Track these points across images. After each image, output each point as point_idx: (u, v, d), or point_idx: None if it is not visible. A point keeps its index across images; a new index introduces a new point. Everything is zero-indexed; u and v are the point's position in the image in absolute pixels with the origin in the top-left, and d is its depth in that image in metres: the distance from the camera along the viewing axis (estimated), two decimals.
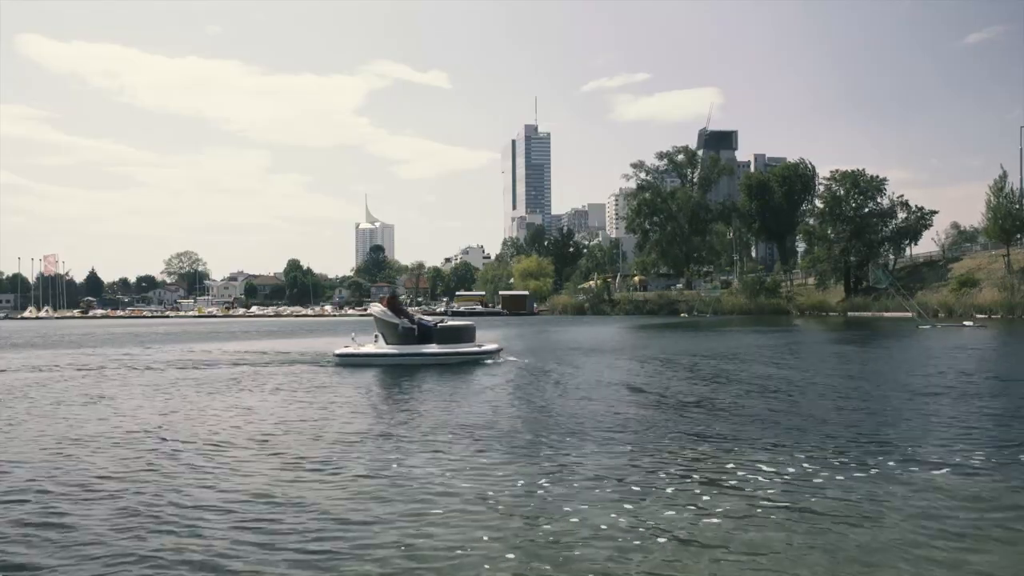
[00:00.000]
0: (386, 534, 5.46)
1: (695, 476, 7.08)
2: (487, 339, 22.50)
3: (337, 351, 20.20)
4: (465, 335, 20.22)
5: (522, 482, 6.88)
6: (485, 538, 5.35)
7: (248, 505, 6.23)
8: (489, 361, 19.82)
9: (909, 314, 49.15)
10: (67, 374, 18.60)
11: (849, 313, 64.21)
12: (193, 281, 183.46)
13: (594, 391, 13.82)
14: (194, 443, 8.99)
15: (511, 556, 5.01)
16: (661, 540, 5.27)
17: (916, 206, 69.23)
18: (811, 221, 78.99)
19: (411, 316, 20.56)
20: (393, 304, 20.46)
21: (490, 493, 6.50)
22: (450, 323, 21.04)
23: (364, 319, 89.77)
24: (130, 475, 7.37)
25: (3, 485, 7.04)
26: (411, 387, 14.95)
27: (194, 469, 7.59)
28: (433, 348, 19.50)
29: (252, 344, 32.35)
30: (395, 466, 7.64)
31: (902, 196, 70.14)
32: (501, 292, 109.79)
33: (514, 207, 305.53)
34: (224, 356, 24.02)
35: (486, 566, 4.85)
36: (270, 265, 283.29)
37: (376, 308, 20.69)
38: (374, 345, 20.04)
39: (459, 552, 5.08)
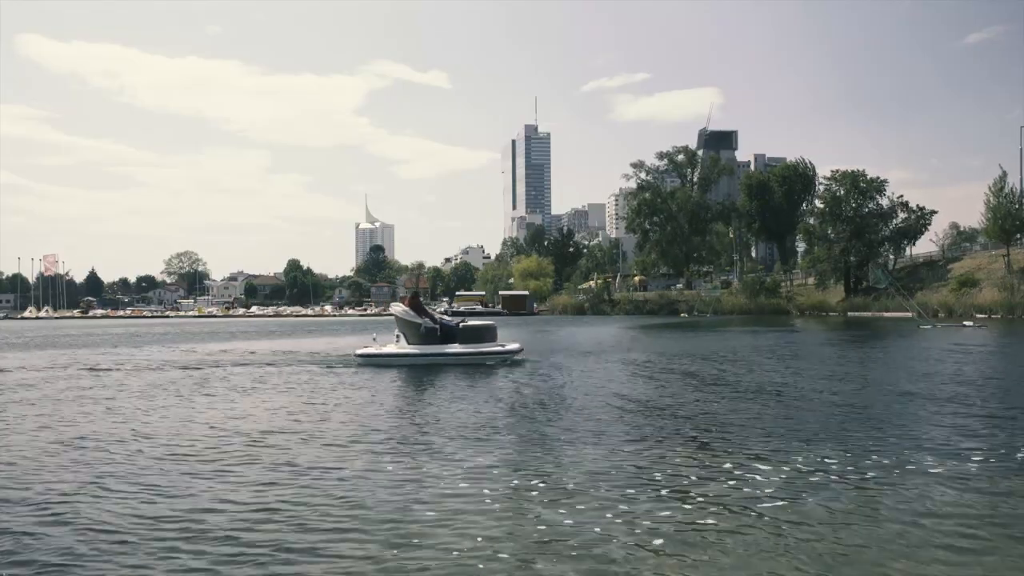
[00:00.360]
0: (376, 538, 5.43)
1: (690, 478, 7.05)
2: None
3: (359, 351, 20.03)
4: (487, 335, 20.01)
5: (515, 483, 6.85)
6: (478, 540, 5.32)
7: (240, 508, 6.21)
8: (507, 361, 19.61)
9: (909, 314, 49.10)
10: (68, 373, 18.56)
11: (849, 313, 64.16)
12: (193, 281, 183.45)
13: (593, 392, 13.78)
14: (193, 445, 8.97)
15: (504, 557, 4.98)
16: (656, 541, 5.25)
17: (916, 206, 69.30)
18: (811, 221, 78.91)
19: (433, 316, 20.32)
20: (415, 303, 20.20)
21: (485, 492, 6.47)
22: (472, 323, 20.82)
23: (365, 319, 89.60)
24: (119, 480, 7.34)
25: None
26: (429, 388, 14.83)
27: (189, 473, 7.57)
28: (456, 348, 19.33)
29: (261, 344, 32.27)
30: (390, 467, 7.61)
31: (901, 196, 70.26)
32: (501, 292, 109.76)
33: (514, 207, 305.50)
34: (231, 357, 23.80)
35: (479, 566, 4.82)
36: (270, 265, 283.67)
37: (398, 308, 20.42)
38: (395, 345, 19.83)
39: (451, 554, 5.06)
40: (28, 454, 8.48)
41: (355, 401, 12.79)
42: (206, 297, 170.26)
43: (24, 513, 6.09)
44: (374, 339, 20.74)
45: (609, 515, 5.81)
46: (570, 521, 5.68)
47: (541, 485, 6.76)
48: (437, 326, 19.65)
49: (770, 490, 6.51)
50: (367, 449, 8.53)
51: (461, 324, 20.18)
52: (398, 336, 19.92)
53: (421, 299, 21.55)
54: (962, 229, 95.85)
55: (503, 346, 20.20)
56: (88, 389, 15.07)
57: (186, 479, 7.16)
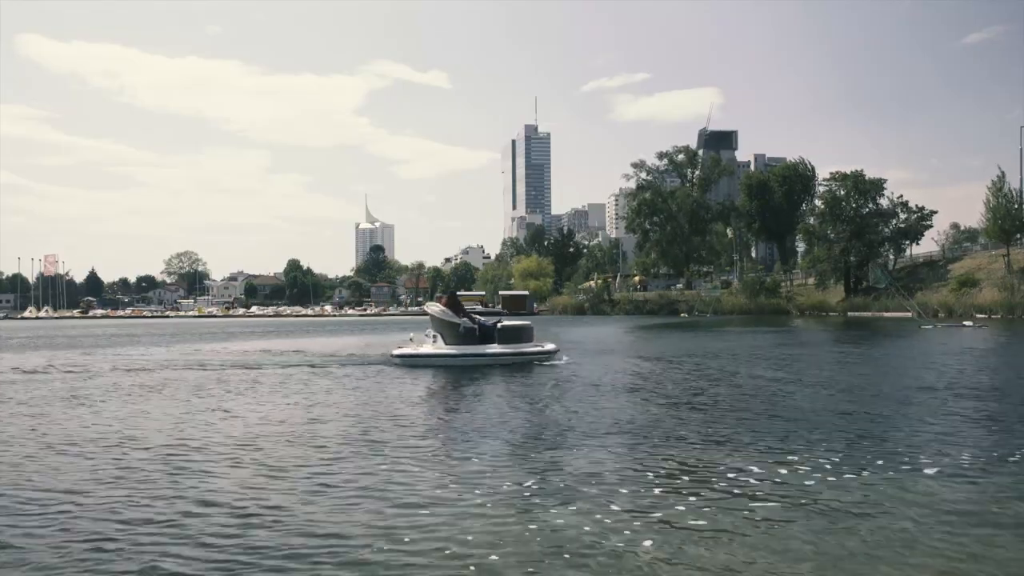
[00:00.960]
0: (378, 540, 5.40)
1: (690, 479, 7.02)
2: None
3: (396, 351, 19.70)
4: (525, 335, 19.81)
5: (508, 485, 6.82)
6: (469, 539, 5.29)
7: (232, 513, 6.17)
8: (545, 361, 19.31)
9: (909, 314, 49.07)
10: (109, 380, 18.48)
11: (849, 313, 64.10)
12: (193, 281, 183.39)
13: (608, 392, 13.75)
14: (211, 448, 8.93)
15: (494, 558, 4.95)
16: (647, 543, 5.21)
17: (916, 206, 69.32)
18: (811, 221, 78.86)
19: (472, 316, 19.98)
20: (453, 303, 19.87)
21: (477, 492, 6.44)
22: (509, 323, 20.50)
23: (365, 319, 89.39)
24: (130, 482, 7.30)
25: None
26: (465, 389, 14.57)
27: (201, 473, 7.53)
28: (495, 348, 19.08)
29: (283, 343, 32.12)
30: (386, 469, 7.57)
31: (901, 196, 70.31)
32: (501, 292, 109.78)
33: (514, 207, 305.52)
34: (256, 357, 23.27)
35: (470, 567, 4.79)
36: (270, 265, 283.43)
37: (435, 308, 19.93)
38: (432, 345, 19.45)
39: (445, 554, 5.03)
40: (33, 456, 8.45)
41: (384, 402, 12.56)
42: (206, 297, 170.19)
43: (3, 516, 6.06)
44: (410, 339, 20.39)
45: (600, 517, 5.78)
46: (565, 519, 5.65)
47: (540, 486, 6.73)
48: (476, 326, 19.36)
49: (766, 492, 6.48)
50: (392, 451, 8.48)
51: (499, 324, 19.87)
52: (434, 336, 19.46)
53: (459, 298, 21.16)
54: (963, 229, 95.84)
55: (541, 346, 19.97)
56: (136, 394, 15.00)
57: (201, 478, 7.13)
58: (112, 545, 5.25)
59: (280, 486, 6.82)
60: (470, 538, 5.32)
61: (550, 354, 19.79)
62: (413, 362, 18.91)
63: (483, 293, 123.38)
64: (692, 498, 6.28)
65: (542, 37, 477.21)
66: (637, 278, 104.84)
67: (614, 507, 6.03)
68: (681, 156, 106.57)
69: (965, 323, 42.65)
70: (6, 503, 6.38)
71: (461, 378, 16.27)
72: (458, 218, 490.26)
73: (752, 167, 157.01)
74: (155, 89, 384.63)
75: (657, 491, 6.52)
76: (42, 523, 5.79)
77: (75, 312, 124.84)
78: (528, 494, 6.46)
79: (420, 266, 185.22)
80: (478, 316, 21.24)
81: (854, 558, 4.88)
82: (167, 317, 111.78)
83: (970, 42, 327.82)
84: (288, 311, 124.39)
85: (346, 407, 12.01)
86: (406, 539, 5.32)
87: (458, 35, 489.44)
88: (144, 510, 6.09)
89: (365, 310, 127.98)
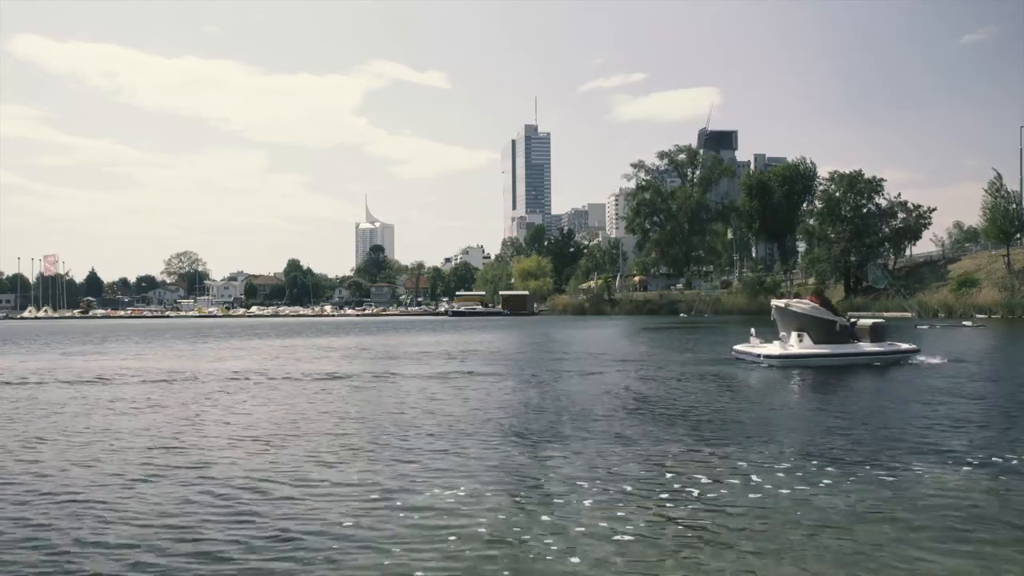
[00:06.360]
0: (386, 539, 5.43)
1: (688, 481, 7.05)
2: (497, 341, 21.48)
3: (766, 351, 18.65)
4: (886, 334, 19.35)
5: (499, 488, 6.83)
6: (459, 536, 5.31)
7: (245, 504, 6.20)
8: (911, 361, 18.76)
9: (909, 314, 49.06)
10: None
11: (849, 313, 63.92)
12: (193, 281, 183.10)
13: (604, 395, 13.76)
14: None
15: (475, 562, 4.98)
16: (641, 545, 5.24)
17: (914, 204, 69.37)
18: (811, 221, 78.82)
19: (842, 315, 19.16)
20: (823, 300, 19.26)
21: (480, 488, 6.47)
22: (870, 321, 19.78)
23: (365, 319, 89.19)
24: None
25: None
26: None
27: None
28: (870, 347, 18.52)
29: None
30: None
31: (899, 195, 70.37)
32: (501, 292, 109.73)
33: (514, 207, 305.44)
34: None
35: (462, 555, 4.81)
36: (270, 265, 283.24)
37: (804, 305, 19.00)
38: (799, 345, 18.58)
39: (442, 553, 5.06)
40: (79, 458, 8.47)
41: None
42: (206, 297, 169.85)
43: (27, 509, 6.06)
44: (752, 335, 19.81)
45: (598, 518, 5.82)
46: (571, 520, 5.68)
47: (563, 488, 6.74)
48: (848, 325, 18.82)
49: (762, 493, 6.51)
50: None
51: (856, 323, 19.25)
52: (799, 335, 18.59)
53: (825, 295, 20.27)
54: (966, 228, 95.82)
55: (897, 345, 19.42)
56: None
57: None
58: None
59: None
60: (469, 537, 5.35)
61: (913, 354, 19.20)
62: (792, 363, 18.00)
63: (483, 293, 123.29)
64: (689, 499, 6.30)
65: (539, 37, 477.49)
66: (637, 278, 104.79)
67: (611, 510, 6.04)
68: (682, 156, 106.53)
69: (964, 323, 42.67)
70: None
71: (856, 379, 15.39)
72: (458, 218, 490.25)
73: (752, 167, 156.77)
74: (153, 89, 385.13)
75: (656, 492, 6.53)
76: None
77: (75, 312, 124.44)
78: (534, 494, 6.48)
79: (420, 266, 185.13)
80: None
81: (849, 562, 4.90)
82: (167, 317, 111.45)
83: (967, 42, 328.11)
84: (287, 311, 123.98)
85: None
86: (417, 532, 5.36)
87: (456, 35, 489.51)
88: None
89: (364, 310, 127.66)
